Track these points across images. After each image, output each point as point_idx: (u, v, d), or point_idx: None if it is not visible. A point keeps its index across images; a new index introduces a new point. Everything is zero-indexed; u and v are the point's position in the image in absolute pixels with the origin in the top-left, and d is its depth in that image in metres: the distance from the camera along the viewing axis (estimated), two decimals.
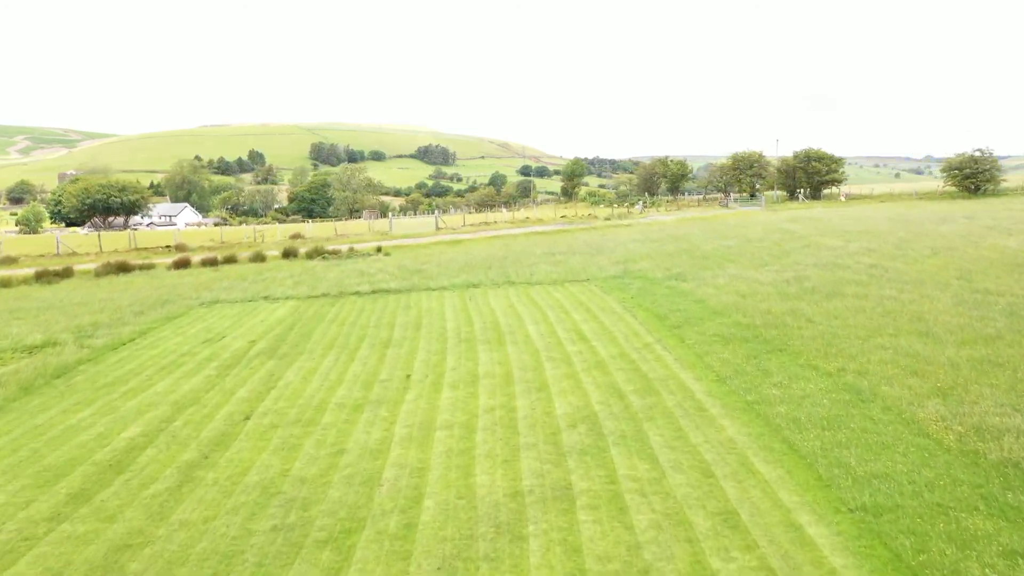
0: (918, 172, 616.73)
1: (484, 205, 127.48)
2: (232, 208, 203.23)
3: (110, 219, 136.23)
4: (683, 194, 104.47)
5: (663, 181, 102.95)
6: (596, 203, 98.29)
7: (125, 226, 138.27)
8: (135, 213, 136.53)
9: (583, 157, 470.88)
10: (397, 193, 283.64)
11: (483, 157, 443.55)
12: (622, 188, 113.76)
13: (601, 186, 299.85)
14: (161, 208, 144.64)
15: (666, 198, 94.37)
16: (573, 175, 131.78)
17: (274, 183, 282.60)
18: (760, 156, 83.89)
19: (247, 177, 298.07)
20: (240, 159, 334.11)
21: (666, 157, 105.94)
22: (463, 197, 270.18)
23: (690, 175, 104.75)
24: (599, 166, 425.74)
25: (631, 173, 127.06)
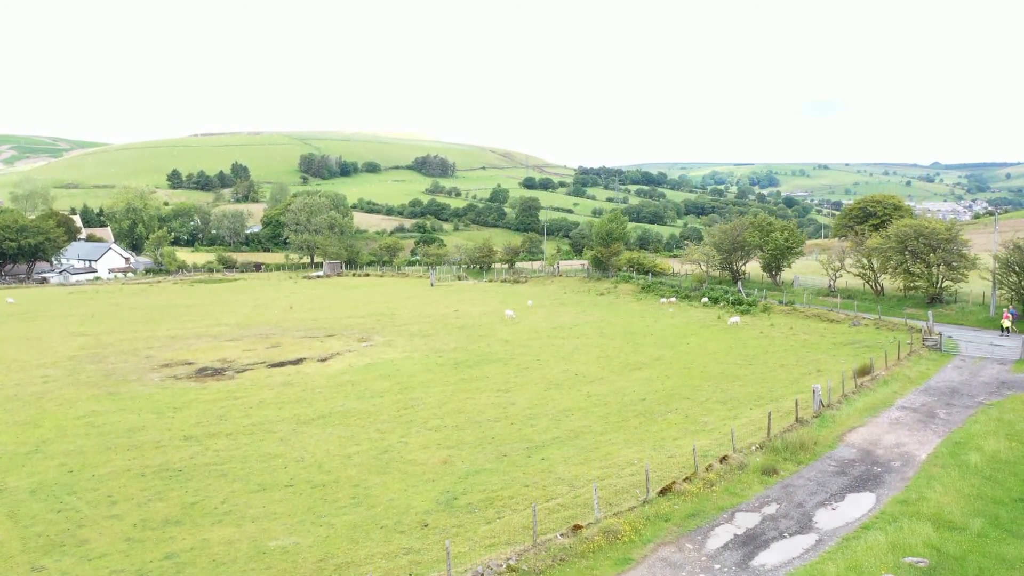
0: (928, 180, 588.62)
1: (479, 260, 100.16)
2: (196, 235, 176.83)
3: (8, 267, 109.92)
4: (786, 268, 66.28)
5: (757, 254, 65.70)
6: (647, 289, 65.63)
7: (28, 275, 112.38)
8: (41, 258, 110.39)
9: (588, 167, 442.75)
10: (389, 212, 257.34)
11: (484, 168, 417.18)
12: (687, 248, 73.43)
13: (610, 201, 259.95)
14: (81, 249, 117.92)
15: (778, 300, 54.87)
16: (610, 238, 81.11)
17: (254, 200, 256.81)
18: None
19: (227, 193, 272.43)
20: (222, 173, 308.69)
21: (763, 218, 67.87)
22: (460, 219, 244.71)
23: (798, 247, 64.89)
24: (607, 177, 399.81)
25: (694, 242, 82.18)
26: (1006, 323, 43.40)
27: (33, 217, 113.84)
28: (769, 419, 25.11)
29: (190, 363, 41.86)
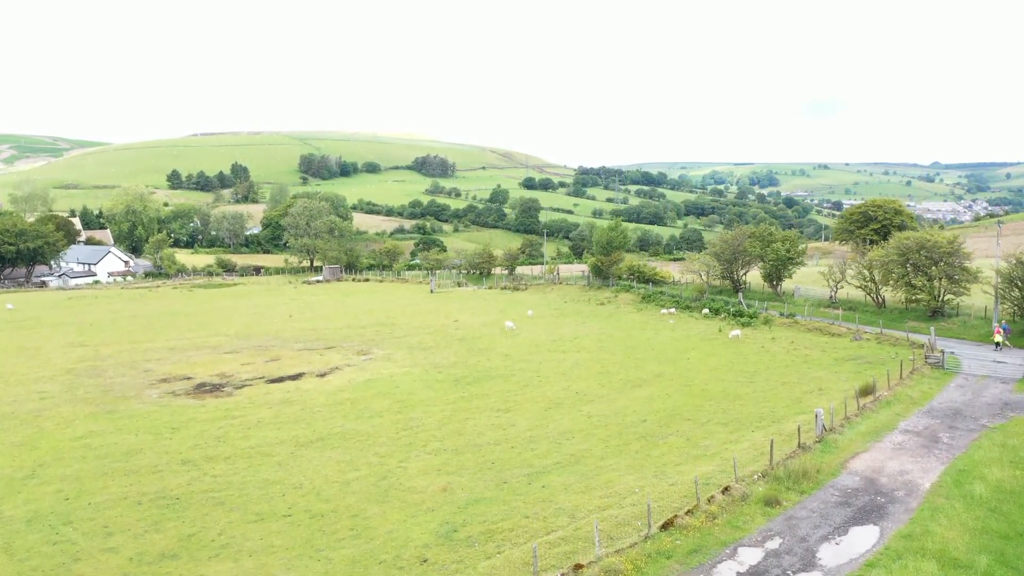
0: (928, 180, 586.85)
1: (479, 266, 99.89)
2: (196, 236, 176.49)
3: (7, 271, 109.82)
4: (787, 278, 65.50)
5: (758, 263, 65.56)
6: (648, 299, 65.04)
7: (27, 279, 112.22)
8: (40, 262, 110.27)
9: (588, 167, 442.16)
10: (389, 212, 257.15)
11: (484, 168, 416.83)
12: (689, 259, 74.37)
13: (610, 201, 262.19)
14: (80, 252, 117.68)
15: (779, 311, 54.33)
16: (610, 246, 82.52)
17: (254, 201, 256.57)
18: None
19: (227, 193, 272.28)
20: (221, 173, 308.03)
21: (764, 228, 68.81)
22: (460, 220, 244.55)
23: (800, 258, 64.34)
24: (607, 177, 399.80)
25: (694, 249, 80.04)
26: (998, 338, 43.32)
27: (32, 220, 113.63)
28: (772, 446, 24.90)
29: (188, 378, 41.66)
